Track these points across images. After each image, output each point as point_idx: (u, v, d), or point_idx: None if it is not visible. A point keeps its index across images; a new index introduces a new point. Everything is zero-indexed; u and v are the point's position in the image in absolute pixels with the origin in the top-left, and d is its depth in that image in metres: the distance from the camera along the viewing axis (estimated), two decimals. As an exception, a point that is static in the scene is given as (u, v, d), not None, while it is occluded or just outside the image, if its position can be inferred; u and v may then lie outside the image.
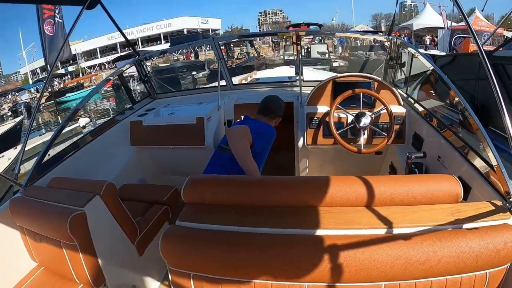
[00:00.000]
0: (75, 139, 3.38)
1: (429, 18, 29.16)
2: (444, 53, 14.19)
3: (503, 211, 1.44)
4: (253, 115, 2.90)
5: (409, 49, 3.42)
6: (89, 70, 48.66)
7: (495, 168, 1.75)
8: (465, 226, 1.34)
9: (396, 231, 1.32)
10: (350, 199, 1.48)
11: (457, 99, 2.33)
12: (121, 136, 3.64)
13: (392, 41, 3.64)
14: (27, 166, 4.69)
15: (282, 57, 23.04)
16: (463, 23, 17.81)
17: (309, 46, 20.92)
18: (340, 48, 24.23)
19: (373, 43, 18.44)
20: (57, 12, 12.95)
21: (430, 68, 2.82)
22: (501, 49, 6.57)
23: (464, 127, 2.55)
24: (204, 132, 3.48)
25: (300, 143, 3.28)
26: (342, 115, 3.17)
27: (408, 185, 1.52)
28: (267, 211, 1.48)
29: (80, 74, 46.56)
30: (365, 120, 2.98)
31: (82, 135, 3.24)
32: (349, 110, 3.12)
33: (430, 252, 1.22)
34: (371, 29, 41.09)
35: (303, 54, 19.42)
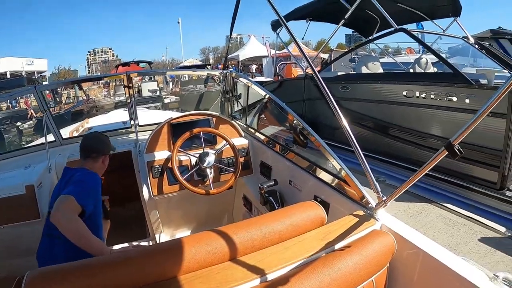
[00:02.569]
0: None
1: (254, 48, 31.34)
2: (270, 79, 15.33)
3: (367, 219, 1.54)
4: None
5: (244, 80, 3.49)
6: None
7: (345, 179, 1.84)
8: (338, 246, 1.37)
9: (272, 276, 1.25)
10: (216, 255, 1.35)
11: (295, 121, 2.42)
12: None
13: (226, 75, 3.66)
14: None
15: (113, 98, 22.19)
16: (284, 51, 19.60)
17: (139, 84, 20.56)
18: (170, 83, 24.41)
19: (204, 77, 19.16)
20: None
21: (266, 96, 2.93)
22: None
23: (306, 146, 2.57)
24: (37, 202, 2.79)
25: (146, 195, 2.99)
26: (184, 158, 3.03)
27: (272, 224, 1.48)
28: None
29: None
30: (209, 159, 2.89)
31: None
32: (191, 151, 3.03)
33: (314, 285, 1.18)
34: (200, 63, 42.68)
35: (134, 93, 18.64)
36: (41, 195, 2.87)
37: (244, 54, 30.83)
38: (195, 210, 3.43)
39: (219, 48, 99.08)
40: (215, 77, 11.51)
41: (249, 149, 3.20)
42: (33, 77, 42.42)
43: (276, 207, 2.43)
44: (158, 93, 19.05)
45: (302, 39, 11.18)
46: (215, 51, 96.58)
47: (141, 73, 11.97)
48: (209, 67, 27.46)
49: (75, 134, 4.57)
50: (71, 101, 20.76)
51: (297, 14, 7.96)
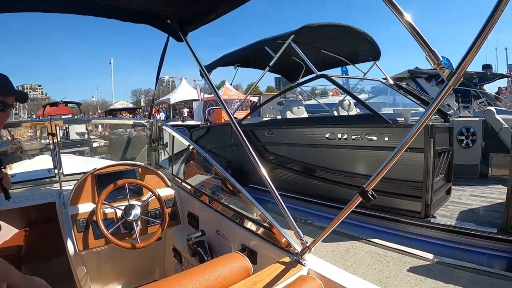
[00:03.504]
0: None
1: (185, 91, 31.53)
2: (200, 122, 15.47)
3: (294, 265, 1.54)
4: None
5: (168, 130, 3.51)
6: None
7: (268, 226, 1.85)
8: None
9: None
10: None
11: (217, 170, 2.45)
12: None
13: (152, 124, 3.68)
14: None
15: (39, 140, 20.96)
16: (213, 95, 19.87)
17: (67, 126, 19.75)
18: (100, 126, 23.71)
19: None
20: None
21: (190, 147, 2.99)
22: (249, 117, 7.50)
23: (228, 194, 2.66)
24: None
25: (71, 250, 2.77)
26: (110, 210, 2.86)
27: (199, 278, 1.45)
28: None
29: None
30: (135, 212, 2.79)
31: None
32: (116, 203, 2.89)
33: None
34: (131, 105, 41.92)
35: (61, 136, 17.97)
36: None
37: (175, 97, 30.82)
38: (126, 264, 3.30)
39: (151, 90, 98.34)
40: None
41: (175, 200, 3.17)
42: None
43: (206, 258, 2.42)
44: (86, 136, 18.39)
45: (231, 84, 11.51)
46: (147, 93, 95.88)
47: (67, 120, 11.43)
48: (140, 110, 26.99)
49: None
50: None
51: (226, 60, 8.21)
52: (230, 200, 2.60)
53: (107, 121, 14.89)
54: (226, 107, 2.22)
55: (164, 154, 3.76)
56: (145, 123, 3.90)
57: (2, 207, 3.07)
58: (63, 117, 16.68)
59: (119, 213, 2.85)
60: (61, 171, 3.46)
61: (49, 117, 3.61)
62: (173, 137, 3.50)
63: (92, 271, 3.11)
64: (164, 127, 3.66)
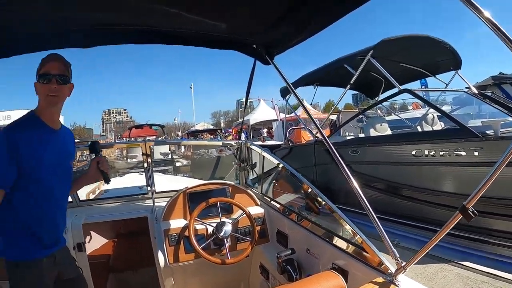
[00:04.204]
0: None
1: (263, 112, 32.20)
2: (280, 142, 15.52)
3: (387, 286, 1.51)
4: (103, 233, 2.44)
5: (258, 150, 3.55)
6: None
7: (362, 245, 1.81)
8: None
9: None
10: None
11: (309, 189, 2.48)
12: None
13: (242, 145, 3.80)
14: None
15: (125, 159, 22.27)
16: (293, 115, 19.89)
17: (151, 147, 20.83)
18: (182, 147, 24.66)
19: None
20: None
21: (280, 166, 3.01)
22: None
23: (319, 213, 2.62)
24: None
25: (162, 262, 2.95)
26: (201, 227, 3.00)
27: None
28: None
29: None
30: (226, 229, 2.88)
31: None
32: (207, 220, 3.01)
33: None
34: (212, 127, 43.27)
35: (152, 162, 18.71)
36: None
37: (254, 118, 31.46)
38: (211, 278, 3.37)
39: (230, 112, 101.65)
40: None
41: (265, 218, 3.21)
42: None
43: (294, 276, 2.42)
44: (169, 156, 19.25)
45: (311, 103, 11.47)
46: (226, 115, 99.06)
47: (158, 142, 12.06)
48: (220, 131, 27.74)
49: (92, 196, 4.61)
50: (85, 159, 20.86)
51: (305, 81, 8.27)
52: (318, 218, 2.59)
53: (197, 143, 15.44)
54: (318, 126, 2.30)
55: (252, 174, 3.81)
56: (234, 144, 4.01)
57: (97, 219, 3.35)
58: (148, 138, 17.62)
59: (210, 229, 2.96)
60: (154, 188, 3.63)
61: (143, 139, 3.84)
62: (263, 156, 3.53)
63: (178, 283, 3.24)
64: (252, 147, 3.74)
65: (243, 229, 3.08)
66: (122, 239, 4.31)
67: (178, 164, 18.12)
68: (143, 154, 3.75)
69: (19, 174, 1.80)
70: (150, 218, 3.28)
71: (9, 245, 1.84)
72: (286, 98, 8.83)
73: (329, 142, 1.95)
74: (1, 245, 1.83)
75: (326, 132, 8.58)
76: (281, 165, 3.02)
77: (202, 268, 3.16)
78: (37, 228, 1.90)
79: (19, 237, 1.86)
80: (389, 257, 1.67)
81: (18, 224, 1.85)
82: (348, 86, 6.85)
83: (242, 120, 5.15)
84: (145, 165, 3.74)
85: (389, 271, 1.62)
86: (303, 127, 12.41)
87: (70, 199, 3.51)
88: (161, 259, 2.94)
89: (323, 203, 2.19)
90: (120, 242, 4.27)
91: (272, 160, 3.21)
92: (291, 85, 2.26)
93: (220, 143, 8.72)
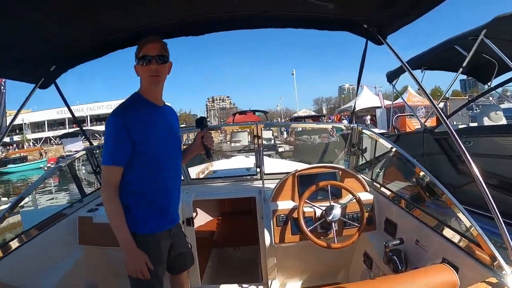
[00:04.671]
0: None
1: (367, 98, 31.22)
2: (384, 130, 15.04)
3: (501, 287, 1.40)
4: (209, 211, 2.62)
5: (370, 134, 3.54)
6: (34, 143, 47.28)
7: (477, 240, 1.71)
8: None
9: None
10: None
11: (425, 177, 2.35)
12: (67, 234, 3.06)
13: (353, 129, 3.69)
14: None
15: (228, 143, 23.09)
16: (398, 101, 19.11)
17: (262, 129, 21.40)
18: (285, 133, 24.85)
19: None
20: (2, 81, 12.79)
21: (393, 150, 2.93)
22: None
23: (432, 203, 2.59)
24: None
25: (268, 241, 3.05)
26: (309, 210, 3.00)
27: (403, 286, 1.39)
28: None
29: (25, 146, 45.24)
30: (335, 213, 2.83)
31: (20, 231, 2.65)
32: (316, 203, 2.99)
33: None
34: (314, 113, 42.95)
35: (248, 140, 19.26)
36: None
37: (357, 105, 30.37)
38: (311, 261, 3.37)
39: (332, 98, 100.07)
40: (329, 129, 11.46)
41: (374, 205, 3.09)
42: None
43: (400, 268, 2.30)
44: (272, 141, 19.65)
45: (418, 89, 10.82)
46: (328, 101, 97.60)
47: (269, 124, 12.11)
48: (323, 117, 27.44)
49: (201, 175, 4.80)
50: (189, 142, 22.28)
51: (412, 64, 7.66)
52: (430, 209, 2.52)
53: (307, 125, 15.47)
54: (439, 110, 2.15)
55: (362, 159, 3.72)
56: (344, 127, 3.96)
57: (206, 197, 3.59)
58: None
59: (319, 212, 2.95)
60: (263, 170, 3.70)
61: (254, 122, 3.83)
62: (376, 141, 3.43)
63: (280, 263, 3.28)
64: (364, 131, 3.65)
65: (351, 214, 3.01)
66: (227, 217, 4.55)
67: (280, 149, 18.45)
68: (254, 136, 3.81)
69: (136, 152, 1.97)
70: (259, 199, 3.35)
71: (140, 221, 2.01)
72: (393, 83, 8.30)
73: (453, 131, 1.86)
74: (131, 221, 1.98)
75: (432, 121, 8.10)
76: (394, 149, 2.91)
77: (304, 251, 3.21)
78: (161, 202, 2.10)
79: (148, 213, 2.04)
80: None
81: (145, 201, 2.04)
82: (461, 69, 6.34)
83: (354, 105, 4.90)
84: (255, 146, 3.84)
85: (503, 272, 1.50)
86: (411, 114, 11.76)
87: (181, 177, 3.65)
88: (267, 238, 3.04)
89: (440, 192, 2.05)
90: (224, 220, 4.52)
91: (384, 145, 3.13)
92: (407, 66, 2.16)
93: (330, 126, 8.43)
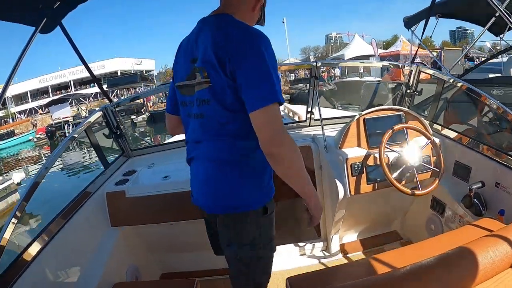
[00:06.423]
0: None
1: (359, 47, 30.81)
2: (379, 79, 15.12)
3: None
4: None
5: (433, 72, 3.26)
6: (19, 116, 46.00)
7: None
8: None
9: None
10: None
11: (501, 111, 2.26)
12: (96, 216, 2.55)
13: (412, 68, 3.37)
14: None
15: None
16: (390, 50, 18.94)
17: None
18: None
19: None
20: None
21: (459, 85, 2.78)
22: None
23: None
24: None
25: (341, 194, 2.67)
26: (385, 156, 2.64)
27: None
28: None
29: (10, 120, 44.11)
30: (417, 157, 2.60)
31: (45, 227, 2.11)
32: (393, 146, 2.68)
33: None
34: (300, 62, 42.62)
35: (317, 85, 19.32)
36: None
37: (349, 54, 30.36)
38: (371, 211, 3.19)
39: (319, 47, 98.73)
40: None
41: (440, 148, 2.75)
42: (145, 74, 44.49)
43: (482, 211, 2.22)
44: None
45: (430, 36, 10.21)
46: (316, 50, 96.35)
47: (327, 63, 11.20)
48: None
49: None
50: None
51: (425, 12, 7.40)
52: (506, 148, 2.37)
53: (356, 64, 14.95)
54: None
55: (412, 102, 3.44)
56: (401, 66, 3.67)
57: None
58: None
59: (392, 157, 2.67)
60: (321, 115, 3.18)
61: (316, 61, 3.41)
62: (438, 78, 3.12)
63: (346, 216, 3.03)
64: (424, 69, 3.34)
65: (423, 158, 2.68)
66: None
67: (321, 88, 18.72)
68: (311, 76, 3.30)
69: None
70: (314, 148, 3.08)
71: (272, 186, 1.66)
72: (413, 28, 7.48)
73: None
74: (267, 187, 1.63)
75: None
76: (460, 84, 2.68)
77: (366, 201, 3.02)
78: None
79: (270, 181, 1.65)
80: None
81: (266, 169, 1.58)
82: (493, 18, 5.71)
83: (416, 51, 4.00)
84: (311, 88, 3.35)
85: None
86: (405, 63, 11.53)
87: None
88: (341, 190, 2.67)
89: None
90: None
91: (447, 80, 2.93)
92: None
93: (380, 64, 7.69)
